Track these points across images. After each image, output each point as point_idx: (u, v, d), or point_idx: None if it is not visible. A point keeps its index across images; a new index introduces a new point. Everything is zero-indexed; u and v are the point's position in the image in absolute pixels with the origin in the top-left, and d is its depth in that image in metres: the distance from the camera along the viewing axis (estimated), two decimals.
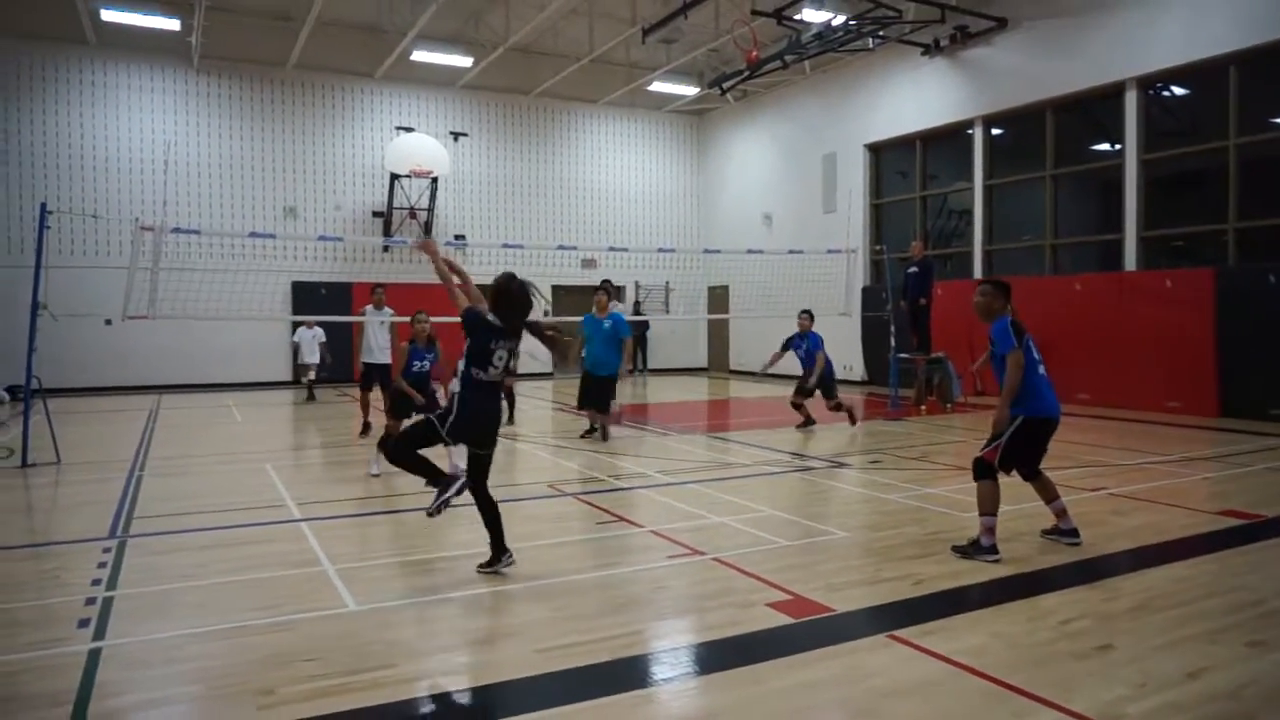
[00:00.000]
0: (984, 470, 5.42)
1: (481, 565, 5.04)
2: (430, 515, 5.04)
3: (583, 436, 10.68)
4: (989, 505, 5.32)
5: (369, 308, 11.05)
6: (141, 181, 17.90)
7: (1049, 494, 5.65)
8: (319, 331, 15.89)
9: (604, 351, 10.30)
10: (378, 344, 10.81)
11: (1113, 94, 13.89)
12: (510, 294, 4.95)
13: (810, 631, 4.19)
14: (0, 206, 16.94)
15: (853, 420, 11.51)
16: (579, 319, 10.92)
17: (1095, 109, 14.58)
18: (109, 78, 17.70)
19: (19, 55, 17.00)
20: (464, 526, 6.62)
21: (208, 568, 5.26)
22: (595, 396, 10.39)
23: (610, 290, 10.89)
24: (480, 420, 4.96)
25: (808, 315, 11.67)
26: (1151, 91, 13.67)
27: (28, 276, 9.72)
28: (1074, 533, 5.61)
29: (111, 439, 11.06)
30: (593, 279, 21.81)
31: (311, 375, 15.84)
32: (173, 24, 16.25)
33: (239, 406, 14.96)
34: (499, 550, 5.02)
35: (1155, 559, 5.33)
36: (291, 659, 3.82)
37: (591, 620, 4.30)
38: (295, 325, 16.81)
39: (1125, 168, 13.77)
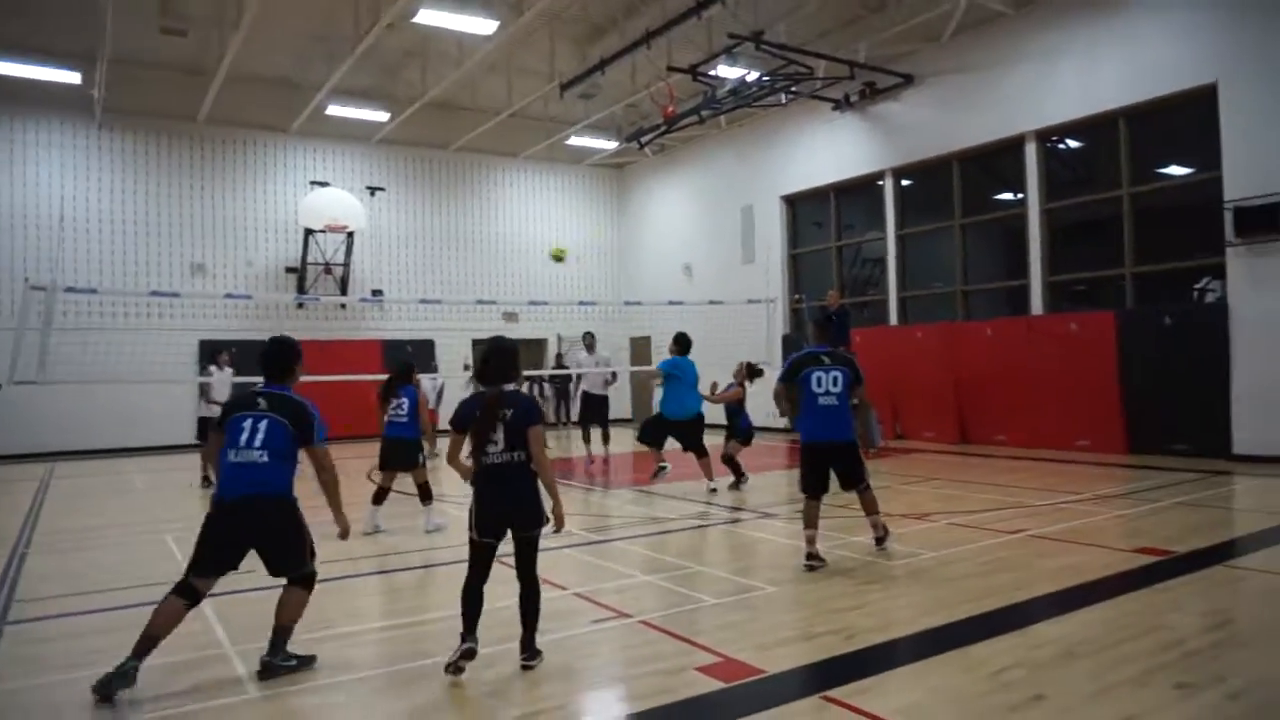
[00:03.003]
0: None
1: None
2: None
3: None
4: (808, 521, 6.43)
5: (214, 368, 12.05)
6: (36, 239, 17.05)
7: (866, 509, 6.68)
8: (229, 373, 13.08)
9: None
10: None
11: (1014, 146, 14.50)
12: (490, 353, 4.70)
13: (741, 696, 4.03)
14: None
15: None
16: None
17: (998, 160, 15.19)
18: (1, 131, 16.93)
19: None
20: (371, 597, 6.31)
21: (97, 655, 4.83)
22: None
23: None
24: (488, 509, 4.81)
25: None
26: (1049, 144, 14.32)
27: None
28: (881, 540, 6.70)
29: None
30: (515, 332, 21.62)
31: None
32: (73, 77, 15.67)
33: (140, 473, 14.18)
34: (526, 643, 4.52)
35: (1078, 601, 5.35)
36: None
37: (513, 694, 4.07)
38: (204, 365, 14.59)
39: (1028, 216, 14.33)
